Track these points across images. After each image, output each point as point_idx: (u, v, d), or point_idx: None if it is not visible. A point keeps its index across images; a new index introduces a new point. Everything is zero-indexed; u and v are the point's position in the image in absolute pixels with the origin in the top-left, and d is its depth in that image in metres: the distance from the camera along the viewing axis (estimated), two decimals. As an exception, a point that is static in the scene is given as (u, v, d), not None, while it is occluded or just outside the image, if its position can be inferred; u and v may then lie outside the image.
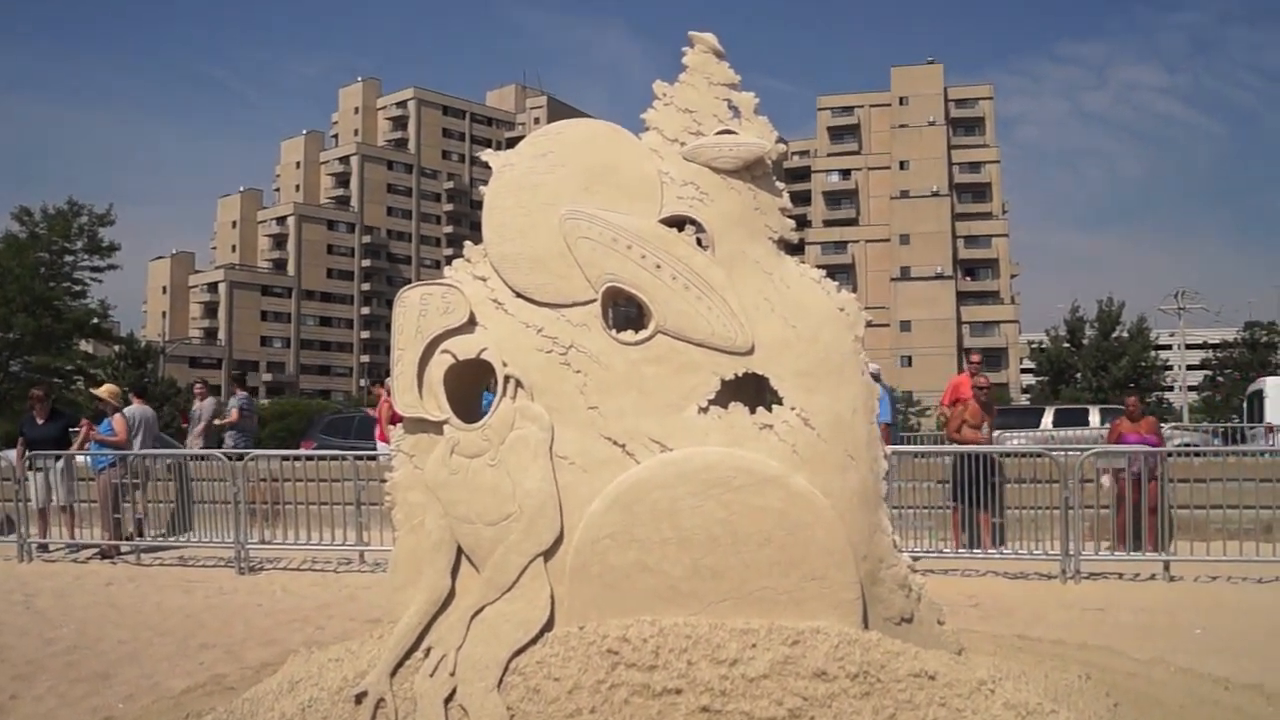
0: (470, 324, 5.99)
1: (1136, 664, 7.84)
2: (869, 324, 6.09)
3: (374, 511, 13.53)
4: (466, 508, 5.83)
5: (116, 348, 67.43)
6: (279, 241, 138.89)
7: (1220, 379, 76.02)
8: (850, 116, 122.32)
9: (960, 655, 5.84)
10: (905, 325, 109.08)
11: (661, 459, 5.69)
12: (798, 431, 5.73)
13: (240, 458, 14.35)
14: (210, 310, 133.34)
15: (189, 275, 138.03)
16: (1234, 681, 7.33)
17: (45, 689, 7.94)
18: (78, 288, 55.82)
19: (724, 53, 6.10)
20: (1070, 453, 12.97)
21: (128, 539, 14.82)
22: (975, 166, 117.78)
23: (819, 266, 6.28)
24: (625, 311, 6.32)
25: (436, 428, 5.96)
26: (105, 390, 16.53)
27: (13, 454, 15.19)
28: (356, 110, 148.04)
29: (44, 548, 15.18)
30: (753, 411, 5.79)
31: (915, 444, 29.22)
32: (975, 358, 16.47)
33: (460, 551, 5.87)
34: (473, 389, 6.34)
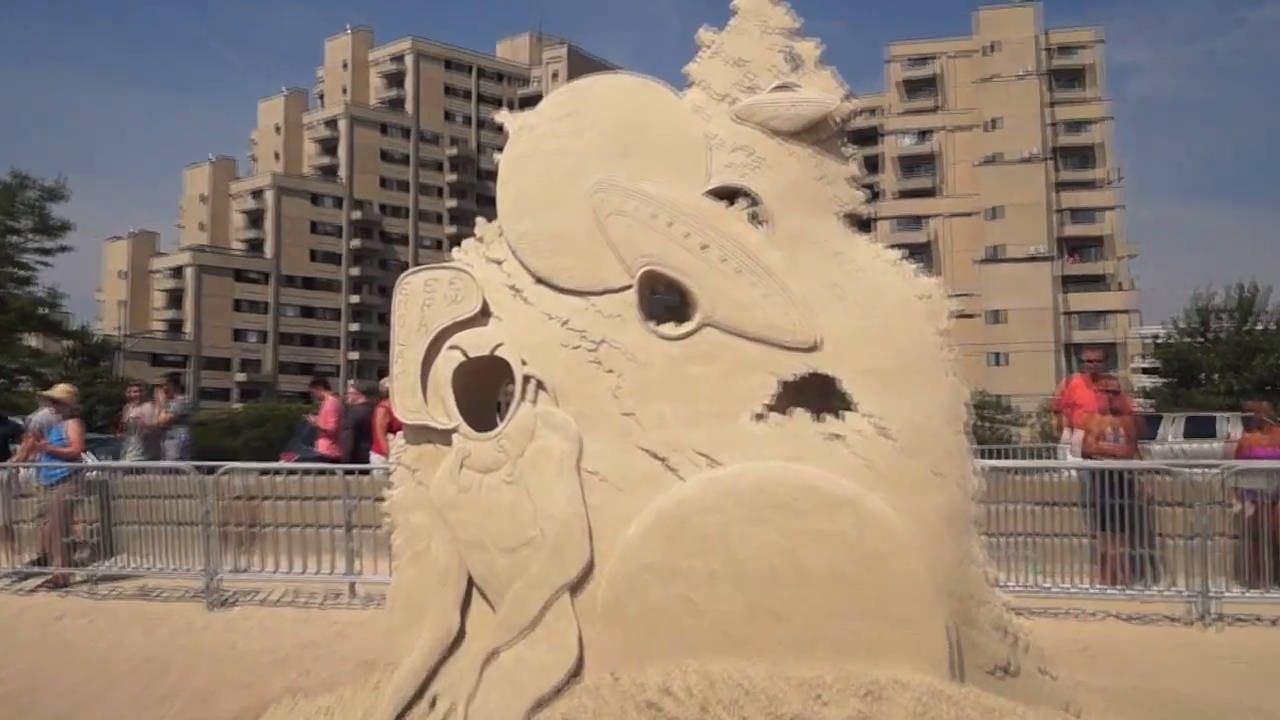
0: (483, 315, 6.04)
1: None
2: (955, 314, 6.05)
3: (367, 536, 13.57)
4: (479, 531, 5.85)
5: (67, 343, 68.31)
6: (255, 219, 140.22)
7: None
8: (927, 68, 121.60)
9: (1072, 714, 5.78)
10: (995, 316, 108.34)
11: (710, 476, 5.69)
12: (872, 443, 5.69)
13: (211, 471, 14.46)
14: (175, 299, 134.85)
15: (151, 258, 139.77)
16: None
17: (-13, 741, 8.04)
18: (23, 273, 56.44)
19: (782, -8, 6.10)
20: (1204, 470, 12.79)
21: (76, 566, 14.98)
22: (1079, 126, 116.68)
23: (891, 246, 6.25)
24: (665, 300, 6.33)
25: (444, 437, 6.00)
26: (62, 391, 16.71)
27: None
28: (345, 65, 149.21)
29: (-17, 577, 15.38)
30: (818, 419, 5.76)
31: (1010, 458, 29.00)
32: (1092, 355, 16.11)
33: (471, 584, 5.91)
34: (486, 392, 6.36)
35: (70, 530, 15.02)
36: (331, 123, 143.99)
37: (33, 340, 61.75)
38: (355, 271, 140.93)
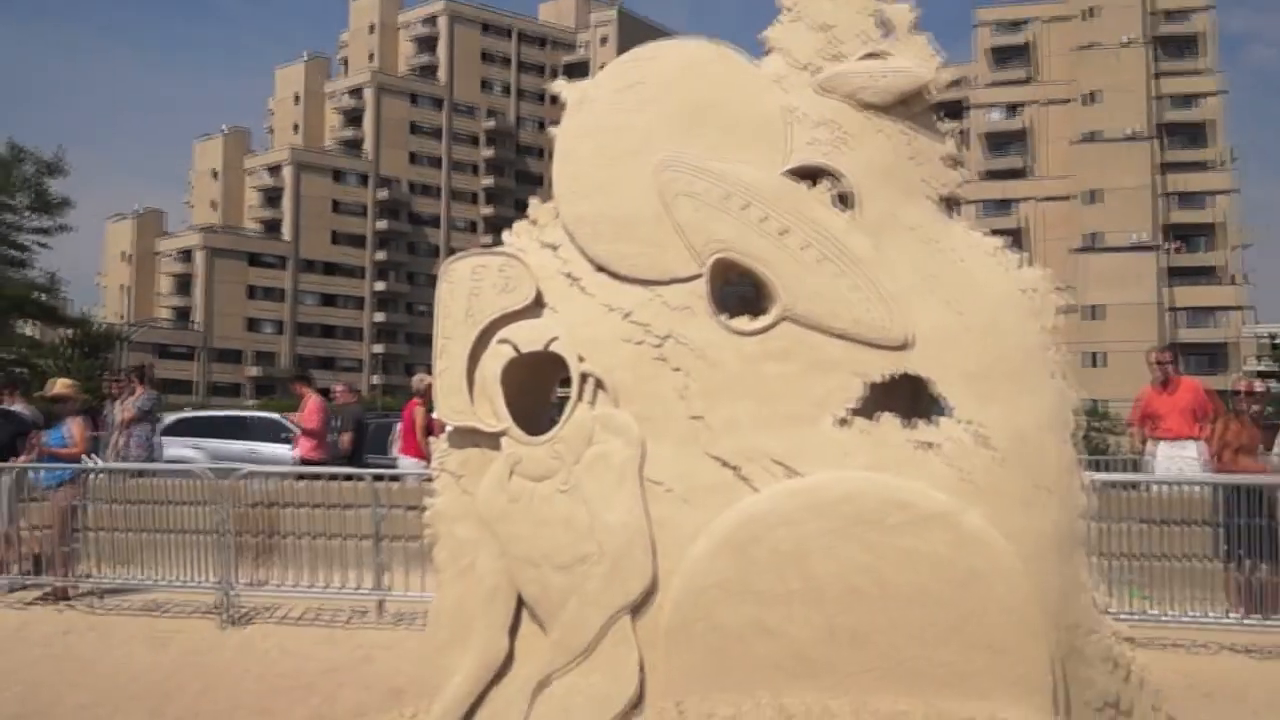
0: (536, 306, 6.10)
1: None
2: (1063, 310, 6.02)
3: (397, 549, 13.67)
4: (530, 546, 5.90)
5: (66, 331, 68.87)
6: (272, 197, 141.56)
7: None
8: (1019, 34, 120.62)
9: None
10: (1092, 312, 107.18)
11: (787, 487, 5.72)
12: (969, 453, 5.68)
13: (227, 474, 14.61)
14: (183, 285, 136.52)
15: (157, 240, 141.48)
16: None
17: (-13, 765, 8.19)
18: (19, 255, 57.03)
19: (870, -51, 6.09)
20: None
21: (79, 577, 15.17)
22: (1189, 101, 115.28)
23: (978, 233, 6.25)
24: (739, 291, 6.36)
25: (492, 441, 6.05)
26: (63, 386, 16.94)
27: None
28: (372, 29, 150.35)
29: (-18, 587, 15.62)
30: (908, 425, 5.77)
31: (1109, 470, 28.68)
32: (1158, 356, 15.35)
33: (521, 603, 5.95)
34: (539, 392, 6.41)
35: (71, 538, 15.21)
36: (356, 92, 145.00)
37: (29, 328, 62.44)
38: (381, 256, 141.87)
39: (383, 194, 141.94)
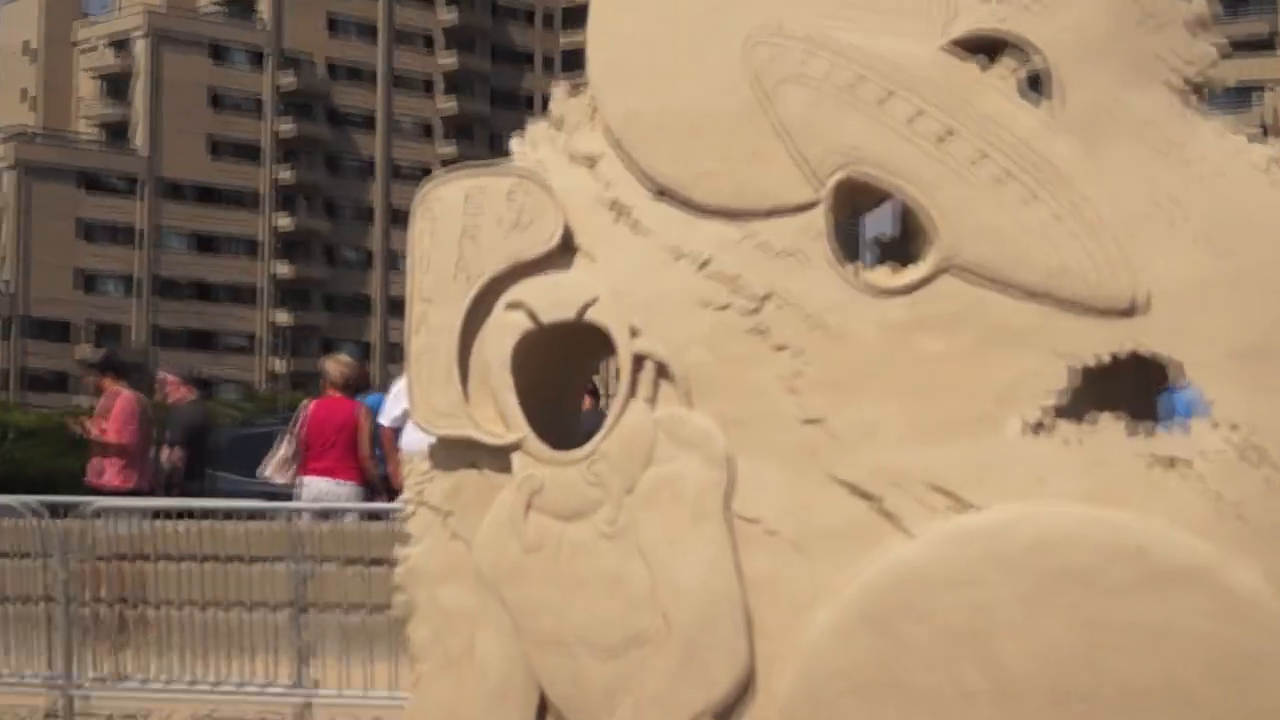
0: (564, 251, 6.12)
1: None
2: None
3: (328, 623, 13.73)
4: (559, 620, 5.95)
5: None
6: (117, 87, 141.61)
7: None
8: None
9: None
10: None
11: (956, 529, 5.73)
12: (1236, 474, 5.64)
13: (64, 512, 14.63)
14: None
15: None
16: None
17: None
18: None
19: None
20: None
21: None
22: None
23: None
24: (872, 232, 6.37)
25: (497, 458, 6.10)
26: None
27: None
28: None
29: None
30: (1139, 431, 5.75)
31: None
32: None
33: (545, 707, 5.96)
34: (565, 388, 6.45)
35: None
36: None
37: None
38: (286, 176, 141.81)
39: (288, 80, 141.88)
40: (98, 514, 14.74)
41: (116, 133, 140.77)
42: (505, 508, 6.05)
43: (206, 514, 15.07)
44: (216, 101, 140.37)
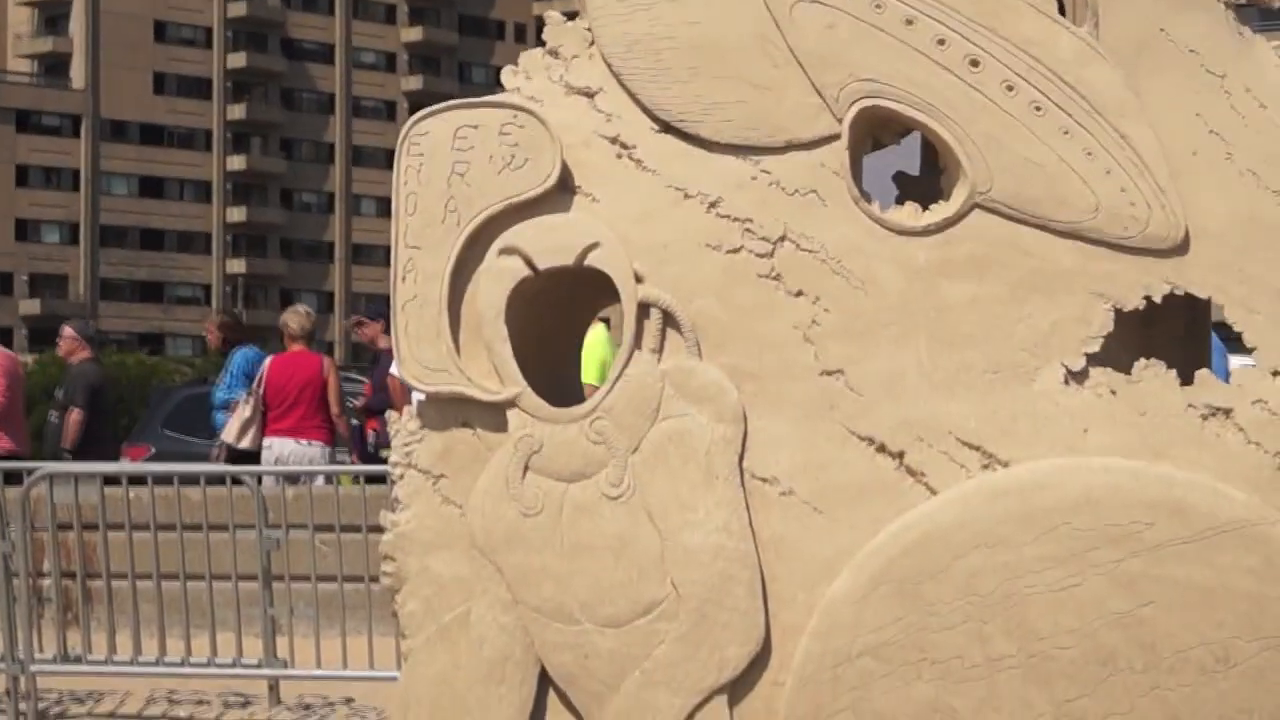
0: (562, 191, 6.09)
1: None
2: None
3: (300, 596, 13.70)
4: (560, 590, 5.95)
5: None
6: (52, 17, 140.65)
7: None
8: None
9: None
10: None
11: (986, 486, 5.76)
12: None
13: (11, 478, 14.58)
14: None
15: None
16: None
17: None
18: None
19: None
20: None
21: None
22: None
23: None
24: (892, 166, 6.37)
25: (493, 416, 6.09)
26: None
27: None
28: None
29: None
30: (1185, 380, 5.77)
31: None
32: None
33: (546, 682, 5.99)
34: (557, 338, 6.44)
35: None
36: None
37: None
38: (238, 113, 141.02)
39: (239, 9, 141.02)
40: (40, 478, 14.64)
41: (53, 68, 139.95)
42: (501, 469, 6.03)
43: (166, 479, 15.01)
44: (161, 33, 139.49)
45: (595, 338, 13.62)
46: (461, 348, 6.12)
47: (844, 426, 5.87)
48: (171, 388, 35.63)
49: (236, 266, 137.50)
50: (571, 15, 6.38)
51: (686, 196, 6.01)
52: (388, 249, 6.45)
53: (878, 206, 5.96)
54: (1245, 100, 5.83)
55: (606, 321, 13.93)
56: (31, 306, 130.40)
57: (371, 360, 21.27)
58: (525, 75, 6.27)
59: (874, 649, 5.71)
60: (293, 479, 15.41)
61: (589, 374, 11.72)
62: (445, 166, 6.14)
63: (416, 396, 6.35)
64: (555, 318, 6.32)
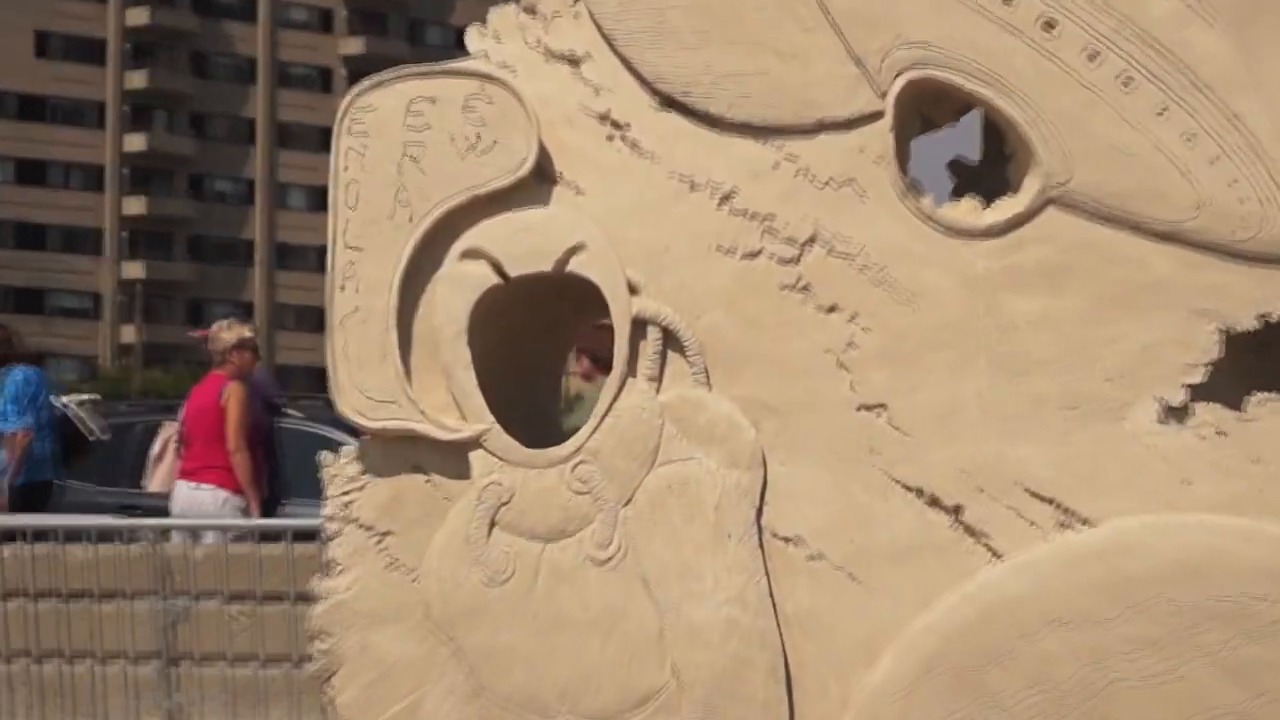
0: (540, 181, 6.10)
1: None
2: None
3: (208, 677, 13.73)
4: (532, 674, 5.95)
5: None
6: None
7: None
8: None
9: None
10: None
11: (1063, 550, 5.75)
12: None
13: None
14: None
15: None
16: None
17: None
18: None
19: None
20: None
21: None
22: None
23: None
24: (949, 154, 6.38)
25: (452, 459, 6.08)
26: None
27: None
28: None
29: None
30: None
31: None
32: None
33: (515, 790, 5.98)
34: (532, 362, 6.45)
35: None
36: None
37: None
38: (138, 81, 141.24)
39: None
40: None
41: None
42: (462, 525, 6.02)
43: (41, 535, 15.01)
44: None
45: None
46: (413, 373, 6.11)
47: (886, 474, 5.86)
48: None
49: (134, 270, 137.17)
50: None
51: (693, 188, 6.01)
52: (321, 250, 6.44)
53: (929, 201, 5.96)
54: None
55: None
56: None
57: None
58: (495, 37, 6.26)
59: (926, 750, 5.72)
60: (196, 534, 15.41)
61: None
62: (395, 149, 6.14)
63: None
64: (530, 338, 6.29)
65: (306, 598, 6.77)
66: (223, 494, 17.02)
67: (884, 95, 5.90)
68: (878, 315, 5.89)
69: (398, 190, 6.10)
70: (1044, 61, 5.81)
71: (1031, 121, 5.82)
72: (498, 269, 6.05)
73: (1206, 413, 5.75)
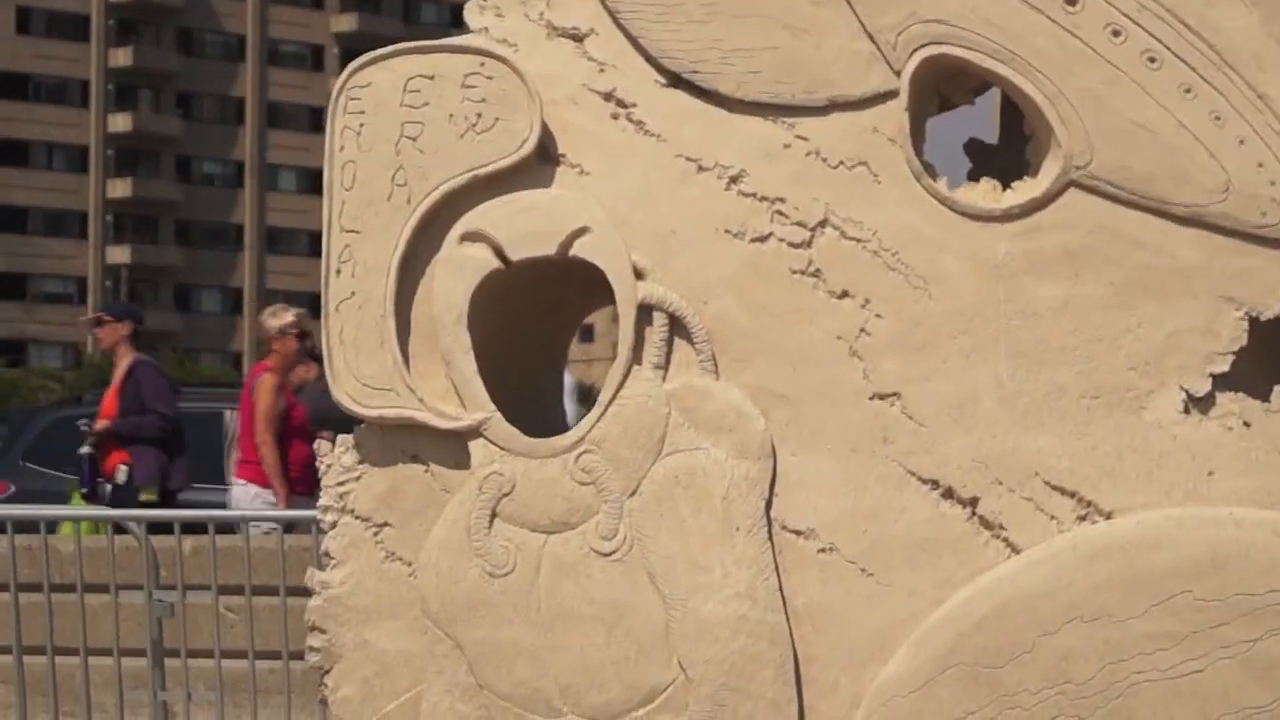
0: (541, 161, 6.09)
1: None
2: None
3: (199, 671, 13.69)
4: (535, 670, 5.94)
5: None
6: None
7: None
8: None
9: None
10: None
11: (1083, 543, 5.74)
12: None
13: None
14: None
15: None
16: None
17: None
18: None
19: None
20: None
21: None
22: None
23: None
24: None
25: (452, 448, 6.07)
26: None
27: None
28: None
29: None
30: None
31: None
32: None
33: (519, 792, 5.96)
34: (534, 349, 6.43)
35: None
36: None
37: None
38: (124, 60, 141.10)
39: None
40: None
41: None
42: (461, 516, 6.00)
43: (30, 525, 14.97)
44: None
45: None
46: (412, 360, 6.09)
47: (900, 465, 5.86)
48: (36, 409, 35.65)
49: (119, 255, 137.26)
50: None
51: (700, 169, 6.00)
52: (313, 234, 6.44)
53: (945, 184, 5.94)
54: None
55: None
56: None
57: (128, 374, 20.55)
58: (495, 12, 6.24)
59: (941, 750, 5.71)
60: (195, 528, 15.35)
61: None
62: (392, 128, 6.12)
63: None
64: (533, 320, 6.27)
65: (301, 591, 6.75)
66: (253, 489, 17.12)
67: (899, 73, 5.88)
68: (891, 301, 5.88)
69: (395, 171, 6.08)
70: (1065, 38, 5.80)
71: (1051, 100, 5.81)
72: (499, 252, 6.03)
73: (1231, 403, 5.75)
